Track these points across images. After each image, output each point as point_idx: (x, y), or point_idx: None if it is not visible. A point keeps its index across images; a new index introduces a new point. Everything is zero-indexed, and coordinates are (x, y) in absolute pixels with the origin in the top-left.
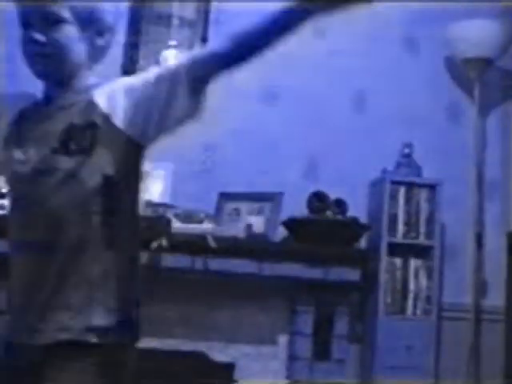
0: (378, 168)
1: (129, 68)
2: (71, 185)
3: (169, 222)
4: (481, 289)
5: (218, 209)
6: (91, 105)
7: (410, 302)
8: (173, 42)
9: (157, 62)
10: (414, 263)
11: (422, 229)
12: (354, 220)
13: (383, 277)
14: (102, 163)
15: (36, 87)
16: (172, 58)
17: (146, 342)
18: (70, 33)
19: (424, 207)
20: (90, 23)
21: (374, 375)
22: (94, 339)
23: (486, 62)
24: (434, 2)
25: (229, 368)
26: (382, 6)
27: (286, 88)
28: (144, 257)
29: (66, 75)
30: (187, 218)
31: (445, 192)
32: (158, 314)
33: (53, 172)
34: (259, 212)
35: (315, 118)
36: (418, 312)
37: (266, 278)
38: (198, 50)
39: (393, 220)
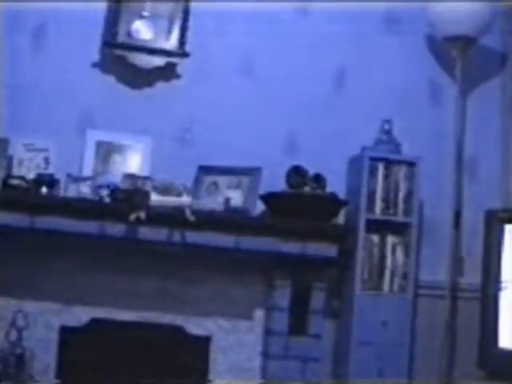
0: (358, 144)
1: (109, 39)
2: None
3: (147, 194)
4: (457, 266)
5: (197, 182)
6: None
7: (386, 279)
8: (154, 16)
9: (140, 35)
10: (391, 240)
11: (400, 205)
12: (333, 195)
13: (360, 253)
14: None
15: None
16: (155, 30)
17: (123, 315)
18: None
19: (403, 184)
20: None
21: (349, 350)
22: None
23: (468, 41)
24: None
25: (205, 341)
26: None
27: (265, 63)
28: (122, 229)
29: None
30: (165, 190)
31: (424, 169)
32: (136, 286)
33: None
34: (238, 186)
35: (295, 94)
36: (395, 288)
37: (243, 252)
38: None
39: (371, 196)
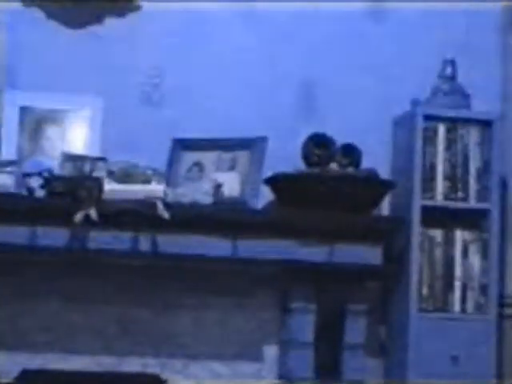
0: (406, 98)
1: None
2: None
3: (99, 183)
4: None
5: (172, 163)
6: None
7: (456, 294)
8: None
9: None
10: (461, 236)
11: (473, 186)
12: (372, 174)
13: (416, 257)
14: None
15: None
16: None
17: (72, 362)
18: None
19: (475, 154)
20: None
21: None
22: None
23: None
24: None
25: None
26: None
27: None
28: (63, 235)
29: None
30: (126, 176)
31: (505, 131)
32: (88, 319)
33: None
34: (232, 167)
35: (313, 28)
36: (469, 308)
37: (243, 263)
38: None
39: (429, 174)
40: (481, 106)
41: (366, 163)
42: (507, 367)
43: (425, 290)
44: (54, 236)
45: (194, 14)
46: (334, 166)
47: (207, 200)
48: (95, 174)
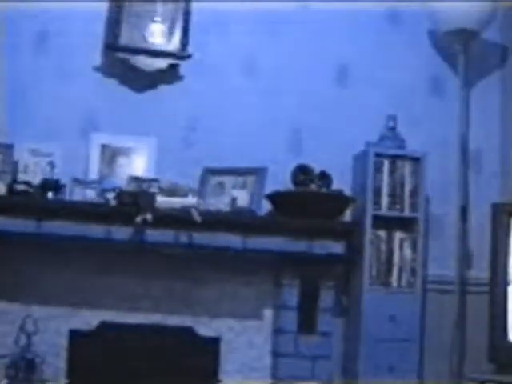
0: (362, 141)
1: (111, 42)
2: None
3: (153, 196)
4: (465, 261)
5: (203, 183)
6: None
7: (394, 275)
8: (158, 18)
9: (142, 37)
10: (398, 235)
11: (407, 201)
12: (339, 193)
13: (368, 249)
14: None
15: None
16: (158, 32)
17: (132, 317)
18: None
19: (408, 179)
20: None
21: (358, 347)
22: None
23: (470, 35)
24: None
25: (214, 342)
26: None
27: (267, 61)
28: (129, 232)
29: None
30: (171, 191)
31: (429, 164)
32: (144, 289)
33: None
34: (243, 186)
35: (298, 92)
36: (403, 284)
37: (250, 252)
38: None
39: (377, 192)
40: (412, 147)
41: (335, 185)
42: (428, 323)
43: (373, 272)
44: (122, 232)
45: (214, 80)
46: (313, 186)
47: (226, 208)
48: (151, 190)
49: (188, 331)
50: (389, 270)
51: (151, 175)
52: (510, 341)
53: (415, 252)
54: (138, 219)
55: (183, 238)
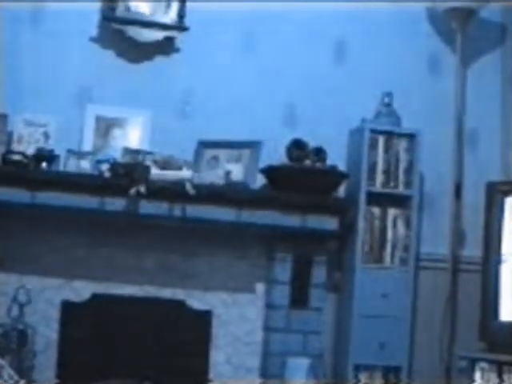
0: (358, 117)
1: (108, 13)
2: None
3: (147, 168)
4: (458, 239)
5: (197, 156)
6: None
7: (387, 252)
8: None
9: (139, 9)
10: (392, 212)
11: (401, 178)
12: (333, 168)
13: (361, 226)
14: None
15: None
16: (155, 4)
17: (124, 289)
18: None
19: (403, 157)
20: None
21: (350, 323)
22: None
23: (468, 13)
24: None
25: (206, 315)
26: None
27: (265, 37)
28: (122, 204)
29: None
30: (166, 164)
31: (424, 142)
32: (136, 261)
33: None
34: (238, 160)
35: (295, 67)
36: (396, 261)
37: (244, 226)
38: None
39: (372, 169)
40: (408, 124)
41: (329, 161)
42: (420, 300)
43: (366, 248)
44: (115, 204)
45: (210, 54)
46: (307, 162)
47: (220, 182)
48: (145, 163)
49: (180, 304)
50: (382, 247)
51: (146, 147)
52: (501, 320)
53: (409, 229)
54: (132, 191)
55: (177, 210)
